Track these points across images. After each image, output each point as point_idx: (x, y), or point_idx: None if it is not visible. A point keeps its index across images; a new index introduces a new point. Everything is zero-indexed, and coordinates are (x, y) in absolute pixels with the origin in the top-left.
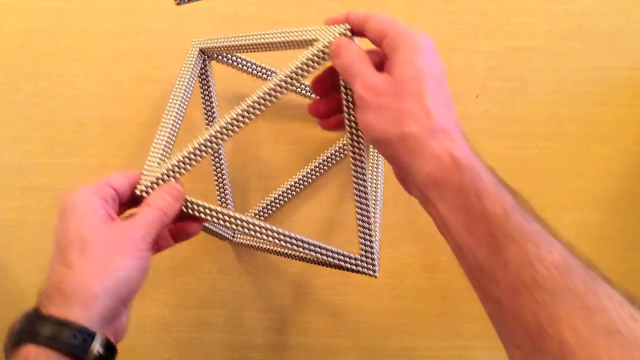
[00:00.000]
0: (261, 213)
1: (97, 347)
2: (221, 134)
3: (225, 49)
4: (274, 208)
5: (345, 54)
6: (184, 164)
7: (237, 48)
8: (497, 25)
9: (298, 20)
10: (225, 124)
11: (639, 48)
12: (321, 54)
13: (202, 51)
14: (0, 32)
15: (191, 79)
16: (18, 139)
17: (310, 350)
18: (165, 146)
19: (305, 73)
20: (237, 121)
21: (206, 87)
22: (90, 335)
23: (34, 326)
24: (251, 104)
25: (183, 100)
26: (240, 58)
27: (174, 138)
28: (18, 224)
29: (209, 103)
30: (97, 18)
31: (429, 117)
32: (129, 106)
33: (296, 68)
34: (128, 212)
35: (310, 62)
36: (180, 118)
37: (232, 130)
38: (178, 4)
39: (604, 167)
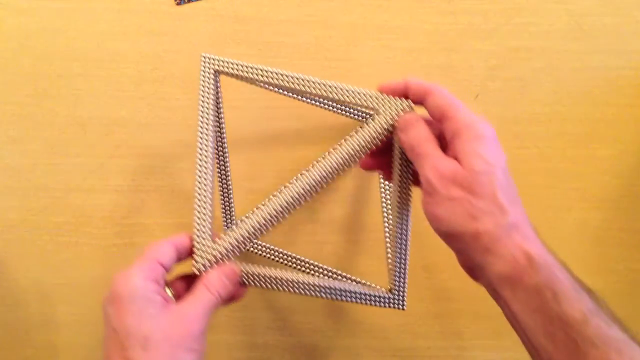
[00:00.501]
0: None
1: None
2: (280, 213)
3: (252, 80)
4: None
5: (413, 131)
6: (244, 244)
7: (269, 84)
8: (497, 25)
9: (298, 21)
10: (286, 202)
11: (639, 48)
12: (386, 132)
13: (216, 71)
14: (0, 32)
15: (215, 118)
16: (18, 139)
17: (310, 350)
18: (211, 210)
19: (367, 150)
20: (297, 201)
21: (215, 106)
22: None
23: None
24: (313, 183)
25: (213, 146)
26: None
27: (213, 193)
28: (18, 224)
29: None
30: (97, 18)
31: (503, 214)
32: (129, 106)
33: (360, 144)
34: (175, 274)
35: (375, 139)
36: (213, 166)
37: (290, 210)
38: (178, 4)
39: (604, 167)
